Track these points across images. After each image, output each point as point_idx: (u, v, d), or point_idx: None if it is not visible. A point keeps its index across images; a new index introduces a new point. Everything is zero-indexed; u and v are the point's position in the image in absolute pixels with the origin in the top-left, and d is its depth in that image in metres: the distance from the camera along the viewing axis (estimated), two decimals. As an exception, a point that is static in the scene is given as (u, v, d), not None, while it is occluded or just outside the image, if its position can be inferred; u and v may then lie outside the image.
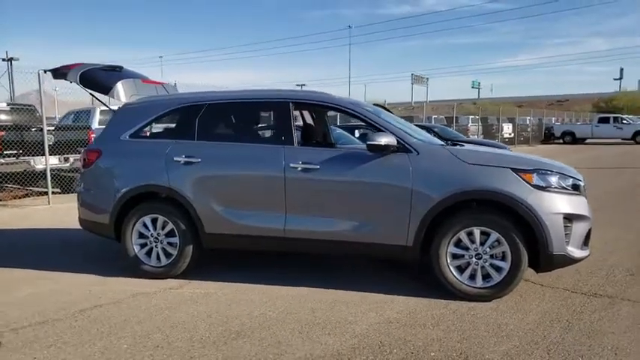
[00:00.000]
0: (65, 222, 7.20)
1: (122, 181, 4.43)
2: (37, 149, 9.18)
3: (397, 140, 3.83)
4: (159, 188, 4.32)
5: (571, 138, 30.53)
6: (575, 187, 3.78)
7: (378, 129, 3.95)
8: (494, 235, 3.67)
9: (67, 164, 10.14)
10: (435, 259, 3.78)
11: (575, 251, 3.68)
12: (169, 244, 4.35)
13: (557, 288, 4.02)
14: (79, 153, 10.47)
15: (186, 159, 4.24)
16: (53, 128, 9.89)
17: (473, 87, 79.12)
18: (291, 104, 4.20)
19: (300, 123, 4.94)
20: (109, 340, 3.17)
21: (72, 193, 10.34)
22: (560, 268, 3.79)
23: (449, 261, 3.77)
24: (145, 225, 4.39)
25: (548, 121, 36.48)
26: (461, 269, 3.78)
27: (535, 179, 3.65)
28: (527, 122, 32.25)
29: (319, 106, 4.50)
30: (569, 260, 3.68)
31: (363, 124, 4.56)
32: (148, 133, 4.65)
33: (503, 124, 28.59)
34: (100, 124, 12.06)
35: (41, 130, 9.06)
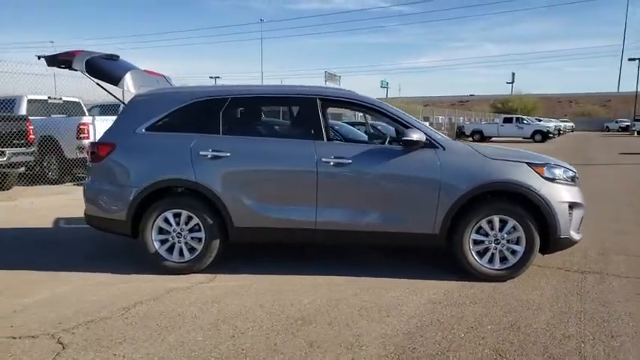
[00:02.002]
0: (23, 221, 6.75)
1: (142, 175, 4.33)
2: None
3: (425, 137, 4.16)
4: (184, 182, 4.29)
5: (480, 136, 33.07)
6: (573, 179, 4.35)
7: (407, 126, 4.25)
8: (512, 222, 4.12)
9: (4, 158, 9.35)
10: (459, 245, 4.16)
11: (575, 235, 4.24)
12: (193, 238, 4.34)
13: (552, 267, 4.57)
14: (17, 146, 9.73)
15: (214, 153, 4.25)
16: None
17: (382, 86, 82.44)
18: (318, 100, 4.37)
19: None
20: (178, 333, 3.18)
21: (5, 190, 9.60)
22: (563, 249, 4.34)
23: (471, 247, 4.17)
24: (166, 220, 4.33)
25: (457, 121, 39.20)
26: (480, 254, 4.20)
27: (546, 172, 4.16)
28: (440, 121, 34.51)
29: (346, 103, 4.70)
30: (571, 243, 4.22)
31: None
32: (165, 126, 4.53)
33: (421, 123, 30.25)
34: (29, 114, 11.19)
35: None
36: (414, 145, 4.11)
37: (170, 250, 4.37)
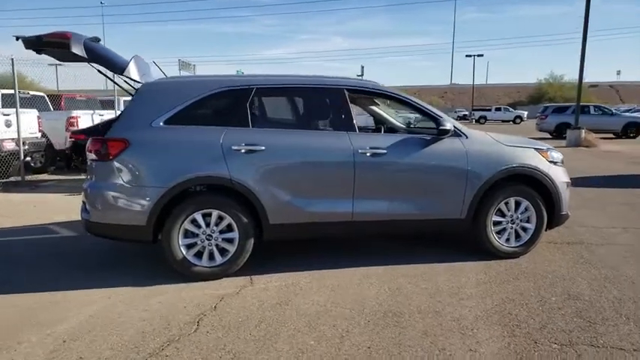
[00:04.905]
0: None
1: (166, 174, 3.87)
2: None
3: (453, 126, 4.37)
4: (217, 180, 3.93)
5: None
6: (562, 161, 4.91)
7: (433, 116, 4.40)
8: (525, 203, 4.53)
9: None
10: (483, 227, 4.46)
11: (568, 211, 4.81)
12: (224, 240, 4.01)
13: (542, 242, 5.08)
14: None
15: (248, 147, 3.96)
16: None
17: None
18: (345, 91, 4.31)
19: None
20: (284, 340, 2.97)
21: None
22: (561, 225, 4.87)
23: (492, 228, 4.50)
24: (193, 222, 3.94)
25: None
26: (499, 234, 4.55)
27: (550, 156, 4.64)
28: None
29: (372, 94, 4.66)
30: (567, 218, 4.77)
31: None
32: (186, 119, 4.06)
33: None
34: None
35: None
36: (446, 133, 4.29)
37: (198, 254, 3.99)
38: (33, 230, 5.79)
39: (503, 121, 47.95)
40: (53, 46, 3.90)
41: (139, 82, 4.23)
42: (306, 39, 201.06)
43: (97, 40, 4.20)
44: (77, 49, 3.87)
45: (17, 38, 3.96)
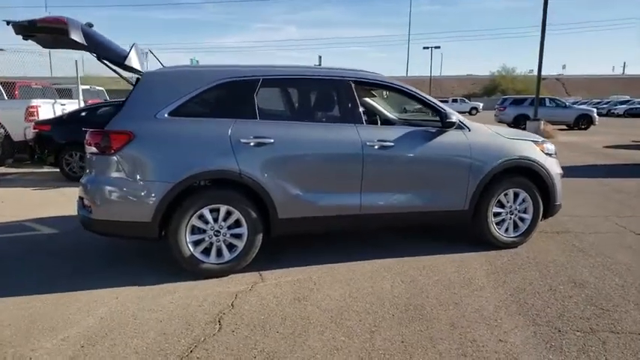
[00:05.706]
0: None
1: (174, 168, 3.71)
2: None
3: (457, 119, 4.40)
4: (227, 174, 3.80)
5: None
6: (555, 153, 5.05)
7: (438, 109, 4.42)
8: (523, 194, 4.64)
9: None
10: (484, 218, 4.54)
11: (561, 201, 4.97)
12: (232, 235, 3.90)
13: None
14: None
15: (257, 140, 3.85)
16: None
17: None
18: (352, 83, 4.26)
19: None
20: (314, 337, 2.92)
21: None
22: (554, 215, 5.02)
23: (492, 219, 4.59)
24: (201, 218, 3.81)
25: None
26: (499, 224, 4.64)
27: (545, 148, 4.76)
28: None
29: (377, 86, 4.62)
30: (559, 208, 4.93)
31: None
32: (191, 111, 3.90)
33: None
34: None
35: None
36: (452, 126, 4.32)
37: (205, 251, 3.87)
38: (10, 228, 5.45)
39: (460, 112, 49.09)
40: (48, 31, 3.63)
41: (140, 71, 4.03)
42: (261, 28, 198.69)
43: (91, 26, 3.96)
44: (76, 36, 3.62)
45: (8, 23, 3.66)
